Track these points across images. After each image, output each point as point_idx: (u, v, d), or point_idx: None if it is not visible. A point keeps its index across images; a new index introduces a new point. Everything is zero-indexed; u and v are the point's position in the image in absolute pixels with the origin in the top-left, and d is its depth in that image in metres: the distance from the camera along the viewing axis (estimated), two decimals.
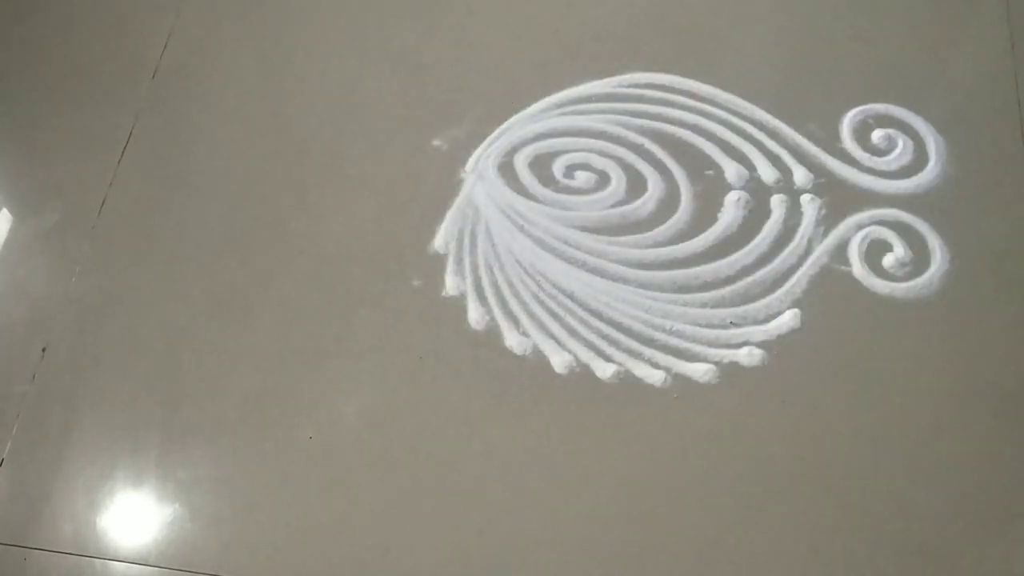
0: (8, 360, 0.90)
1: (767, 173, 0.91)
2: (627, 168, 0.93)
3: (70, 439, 0.85)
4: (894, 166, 0.90)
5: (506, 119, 0.98)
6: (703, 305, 0.85)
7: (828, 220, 0.88)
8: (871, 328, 0.83)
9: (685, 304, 0.86)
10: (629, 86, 0.98)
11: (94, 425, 0.86)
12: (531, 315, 0.86)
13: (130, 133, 1.02)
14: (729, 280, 0.87)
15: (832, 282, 0.85)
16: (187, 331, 0.90)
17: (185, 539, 0.80)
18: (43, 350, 0.90)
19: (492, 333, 0.86)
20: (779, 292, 0.85)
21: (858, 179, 0.90)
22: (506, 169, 0.95)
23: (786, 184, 0.91)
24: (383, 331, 0.87)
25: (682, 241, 0.89)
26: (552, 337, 0.85)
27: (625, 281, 0.87)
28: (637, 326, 0.85)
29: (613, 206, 0.91)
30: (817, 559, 0.74)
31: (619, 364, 0.83)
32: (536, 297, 0.87)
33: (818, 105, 0.93)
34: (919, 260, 0.85)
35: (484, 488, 0.79)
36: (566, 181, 0.94)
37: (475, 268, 0.90)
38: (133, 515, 0.81)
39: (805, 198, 0.90)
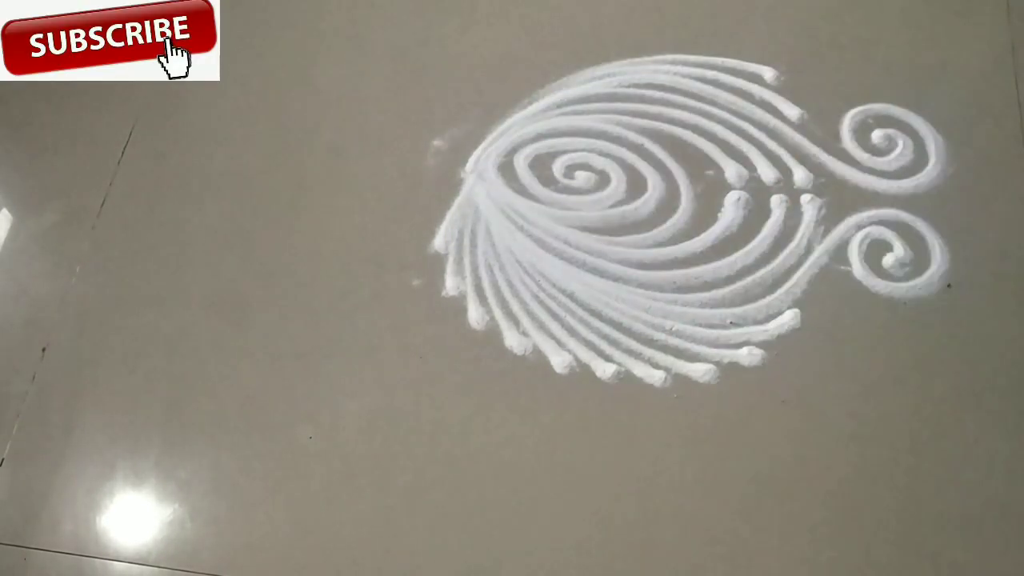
0: (8, 360, 0.90)
1: (767, 173, 0.91)
2: (627, 168, 0.93)
3: (70, 439, 0.85)
4: (894, 166, 0.90)
5: (506, 119, 0.98)
6: (703, 305, 0.85)
7: (828, 220, 0.88)
8: (871, 328, 0.83)
9: (685, 304, 0.86)
10: (629, 86, 0.98)
11: (94, 425, 0.86)
12: (531, 315, 0.86)
13: (130, 133, 1.02)
14: (729, 280, 0.86)
15: (832, 282, 0.85)
16: (187, 331, 0.90)
17: (185, 539, 0.80)
18: (43, 350, 0.90)
19: (492, 333, 0.86)
20: (779, 292, 0.85)
21: (858, 179, 0.90)
22: (506, 169, 0.95)
23: (786, 184, 0.91)
24: (383, 331, 0.87)
25: (682, 241, 0.89)
26: (552, 337, 0.85)
27: (625, 281, 0.87)
28: (637, 326, 0.85)
29: (613, 206, 0.91)
30: (817, 559, 0.74)
31: (619, 364, 0.83)
32: (536, 297, 0.87)
33: (818, 105, 0.93)
34: (919, 260, 0.85)
35: (484, 488, 0.79)
36: (566, 181, 0.93)
37: (475, 268, 0.90)
38: (133, 515, 0.82)
39: (805, 198, 0.90)
